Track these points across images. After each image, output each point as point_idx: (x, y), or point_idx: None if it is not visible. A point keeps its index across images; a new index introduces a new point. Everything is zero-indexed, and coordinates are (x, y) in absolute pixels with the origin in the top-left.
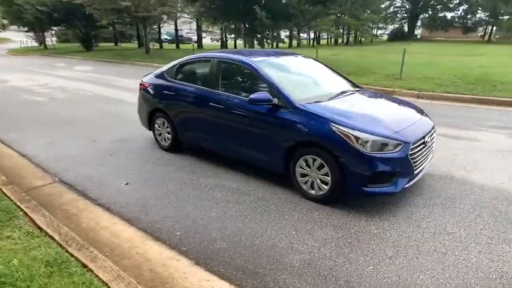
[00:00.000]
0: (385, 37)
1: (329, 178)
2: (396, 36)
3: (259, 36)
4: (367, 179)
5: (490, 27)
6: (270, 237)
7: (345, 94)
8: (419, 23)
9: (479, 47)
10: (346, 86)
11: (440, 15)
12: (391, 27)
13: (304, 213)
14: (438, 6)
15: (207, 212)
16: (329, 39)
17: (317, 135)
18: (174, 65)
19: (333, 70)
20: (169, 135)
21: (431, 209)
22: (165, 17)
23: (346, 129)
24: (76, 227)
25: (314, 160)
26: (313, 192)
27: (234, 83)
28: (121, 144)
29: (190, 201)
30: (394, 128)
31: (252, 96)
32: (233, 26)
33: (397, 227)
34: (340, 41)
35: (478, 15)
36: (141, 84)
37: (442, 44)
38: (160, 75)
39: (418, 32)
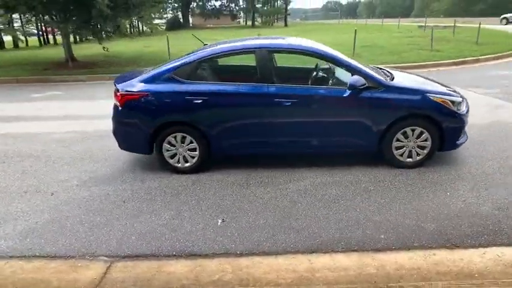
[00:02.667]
0: (164, 26)
1: (428, 142)
2: (173, 25)
3: (97, 28)
4: (459, 134)
5: (251, 14)
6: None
7: (382, 70)
8: (196, 11)
9: (241, 31)
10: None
11: (210, 3)
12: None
13: (413, 179)
14: None
15: (363, 210)
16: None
17: (418, 107)
18: (188, 63)
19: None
20: (196, 152)
21: None
22: None
23: (442, 96)
24: None
25: (413, 130)
26: (410, 160)
27: (293, 72)
28: (114, 186)
29: (332, 207)
30: (454, 92)
31: (351, 82)
32: (56, 18)
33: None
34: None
35: (240, 4)
36: (123, 95)
37: (214, 30)
38: (166, 79)
39: (192, 19)
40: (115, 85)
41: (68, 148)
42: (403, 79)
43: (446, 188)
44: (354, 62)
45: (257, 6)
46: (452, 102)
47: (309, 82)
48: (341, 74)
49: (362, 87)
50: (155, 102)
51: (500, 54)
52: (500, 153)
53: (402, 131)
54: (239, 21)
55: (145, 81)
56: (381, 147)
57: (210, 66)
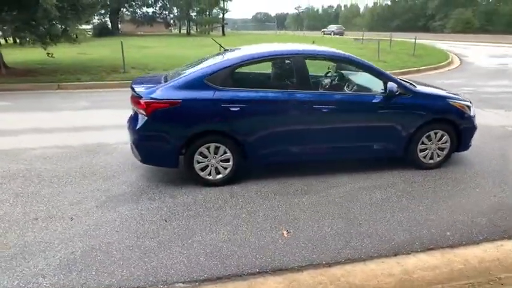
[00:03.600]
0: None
1: (448, 144)
2: (101, 32)
3: (42, 30)
4: (472, 136)
5: (187, 22)
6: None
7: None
8: (127, 17)
9: (175, 39)
10: None
11: (141, 10)
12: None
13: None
14: (136, 2)
15: (415, 211)
16: None
17: (442, 112)
18: (223, 68)
19: None
20: (229, 163)
21: None
22: None
23: (460, 102)
24: None
25: (436, 133)
26: (432, 161)
27: (326, 79)
28: (142, 204)
29: (385, 209)
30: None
31: (390, 88)
32: None
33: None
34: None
35: (174, 11)
36: (150, 103)
37: (145, 38)
38: (199, 85)
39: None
40: (134, 91)
41: (58, 165)
42: (423, 86)
43: (472, 185)
44: (381, 69)
45: (192, 14)
46: (468, 107)
47: (336, 88)
48: (363, 80)
49: (397, 93)
50: (188, 111)
51: (439, 64)
52: (497, 152)
53: (427, 134)
54: (171, 29)
55: (176, 87)
56: (407, 150)
57: (247, 72)
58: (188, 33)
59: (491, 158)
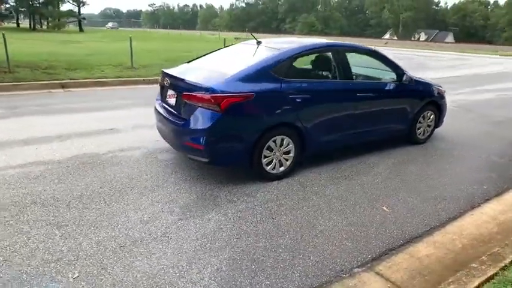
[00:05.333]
0: None
1: (433, 122)
2: None
3: None
4: (445, 115)
5: (30, 14)
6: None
7: None
8: None
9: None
10: None
11: None
12: None
13: (436, 150)
14: None
15: (450, 175)
16: None
17: (432, 95)
18: (284, 60)
19: None
20: (290, 154)
21: None
22: None
23: (439, 88)
24: None
25: (427, 113)
26: (423, 137)
27: (360, 70)
28: (233, 208)
29: (433, 177)
30: None
31: (410, 77)
32: None
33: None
34: None
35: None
36: (225, 97)
37: None
38: (265, 77)
39: None
40: (194, 85)
41: (73, 184)
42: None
43: (462, 154)
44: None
45: (37, 5)
46: (443, 91)
47: (369, 77)
48: (374, 70)
49: (408, 81)
50: (261, 103)
51: None
52: (452, 133)
53: (422, 114)
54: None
55: (241, 80)
56: (410, 129)
57: (300, 64)
58: (33, 28)
59: (448, 130)
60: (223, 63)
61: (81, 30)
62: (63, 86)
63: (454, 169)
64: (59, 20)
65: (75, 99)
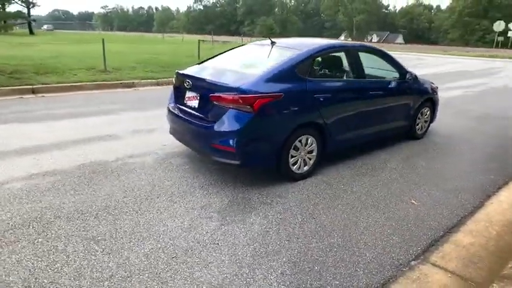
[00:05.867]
0: None
1: (428, 118)
2: None
3: None
4: (437, 110)
5: None
6: None
7: None
8: None
9: None
10: None
11: None
12: None
13: (436, 144)
14: None
15: (458, 164)
16: None
17: (428, 92)
18: (306, 59)
19: None
20: (314, 154)
21: None
22: None
23: (433, 85)
24: None
25: (425, 110)
26: (421, 132)
27: (368, 69)
28: (291, 211)
29: (449, 167)
30: None
31: (409, 76)
32: None
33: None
34: None
35: None
36: (257, 97)
37: None
38: (291, 76)
39: None
40: (224, 86)
41: (92, 196)
42: None
43: (459, 148)
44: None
45: None
46: (436, 87)
47: (377, 75)
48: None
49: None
50: (289, 103)
51: None
52: (443, 128)
53: (421, 111)
54: None
55: (272, 80)
56: (411, 125)
57: (320, 63)
58: None
59: (447, 131)
60: (243, 64)
61: (31, 33)
62: (33, 91)
63: (458, 162)
64: (5, 22)
65: (55, 105)
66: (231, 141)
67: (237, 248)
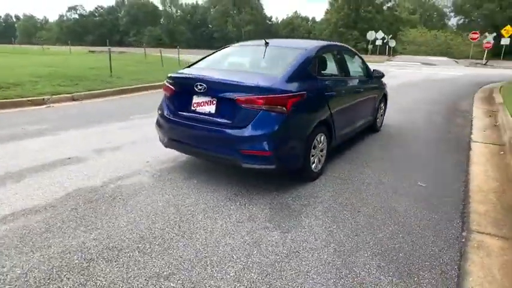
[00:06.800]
0: None
1: (383, 111)
2: None
3: None
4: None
5: None
6: None
7: None
8: None
9: None
10: None
11: None
12: None
13: (400, 130)
14: None
15: (431, 150)
16: None
17: (384, 88)
18: (312, 58)
19: None
20: (324, 151)
21: None
22: None
23: (384, 80)
24: None
25: (382, 104)
26: (379, 125)
27: (350, 67)
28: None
29: (426, 153)
30: None
31: (377, 73)
32: None
33: None
34: None
35: None
36: (289, 97)
37: None
38: (305, 75)
39: None
40: (249, 87)
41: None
42: None
43: (414, 134)
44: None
45: None
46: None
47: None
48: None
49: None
50: (310, 102)
51: None
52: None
53: (380, 105)
54: None
55: (293, 79)
56: (375, 119)
57: (319, 61)
58: None
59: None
60: (254, 64)
61: None
62: None
63: (425, 146)
64: None
65: None
66: (265, 145)
67: (315, 253)
